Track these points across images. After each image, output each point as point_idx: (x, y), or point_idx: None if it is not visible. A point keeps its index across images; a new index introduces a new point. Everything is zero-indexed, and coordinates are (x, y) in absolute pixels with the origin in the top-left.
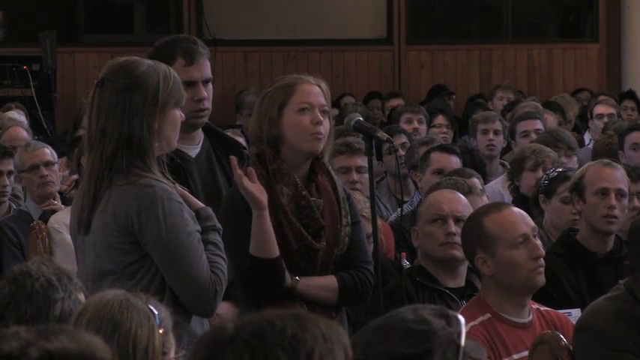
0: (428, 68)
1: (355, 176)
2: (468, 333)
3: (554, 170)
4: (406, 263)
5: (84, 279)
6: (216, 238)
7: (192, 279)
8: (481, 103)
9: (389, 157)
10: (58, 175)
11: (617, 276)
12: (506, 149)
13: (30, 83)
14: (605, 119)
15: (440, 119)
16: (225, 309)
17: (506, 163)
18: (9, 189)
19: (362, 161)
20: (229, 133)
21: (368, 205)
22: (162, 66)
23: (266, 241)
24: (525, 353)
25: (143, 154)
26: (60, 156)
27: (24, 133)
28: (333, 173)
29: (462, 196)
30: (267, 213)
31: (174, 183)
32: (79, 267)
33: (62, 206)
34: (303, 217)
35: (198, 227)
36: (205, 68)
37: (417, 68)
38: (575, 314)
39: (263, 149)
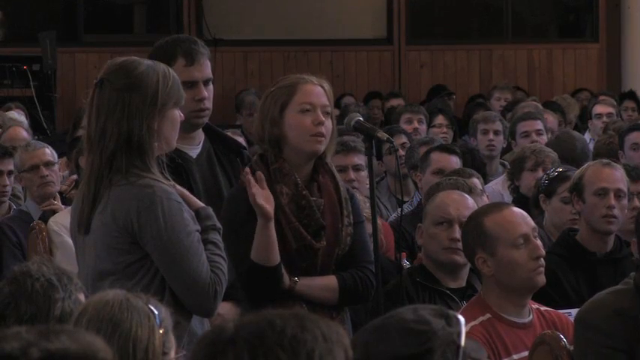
0: (428, 68)
1: (352, 175)
2: (468, 333)
3: (554, 170)
4: (406, 263)
5: (84, 279)
6: (216, 237)
7: (192, 279)
8: (482, 103)
9: (389, 157)
10: (58, 175)
11: (617, 276)
12: (507, 149)
13: (30, 83)
14: (605, 119)
15: (440, 119)
16: (226, 309)
17: (506, 163)
18: (9, 189)
19: (358, 159)
20: (229, 133)
21: (368, 205)
22: (162, 66)
23: (268, 249)
24: (525, 353)
25: (143, 154)
26: (60, 156)
27: (24, 133)
28: (336, 173)
29: (469, 199)
30: (272, 223)
31: (173, 183)
32: (79, 267)
33: (62, 206)
34: (302, 216)
35: (198, 227)
36: (206, 68)
37: (417, 68)
38: (575, 314)
39: (266, 149)
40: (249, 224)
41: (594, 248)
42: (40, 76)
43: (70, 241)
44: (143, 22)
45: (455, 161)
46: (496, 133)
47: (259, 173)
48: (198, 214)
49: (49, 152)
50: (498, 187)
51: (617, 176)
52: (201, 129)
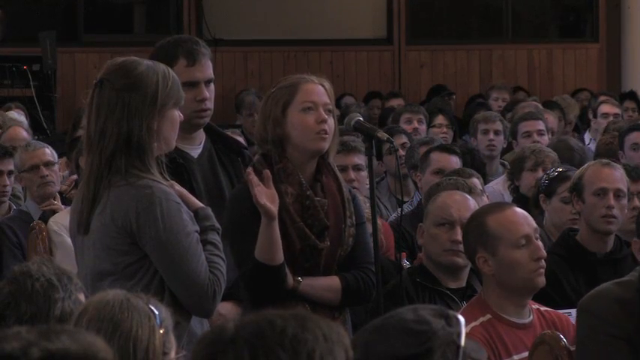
0: (428, 68)
1: (352, 174)
2: (468, 333)
3: (554, 170)
4: (406, 263)
5: (83, 279)
6: (215, 238)
7: (191, 279)
8: (482, 103)
9: (389, 157)
10: (58, 175)
11: (617, 276)
12: (507, 149)
13: (30, 83)
14: (611, 119)
15: (440, 119)
16: (227, 309)
17: (507, 163)
18: (9, 189)
19: (358, 159)
20: (229, 133)
21: (368, 205)
22: (161, 66)
23: (272, 248)
24: (525, 354)
25: (142, 154)
26: (60, 156)
27: (24, 133)
28: (338, 174)
29: (471, 200)
30: (275, 223)
31: (172, 183)
32: (78, 267)
33: (62, 206)
34: (307, 216)
35: (197, 227)
36: (207, 69)
37: (417, 68)
38: (575, 314)
39: (269, 150)
40: (253, 223)
41: (594, 248)
42: (40, 76)
43: (69, 241)
44: (143, 22)
45: (455, 161)
46: (496, 133)
47: (267, 172)
48: (197, 214)
49: (49, 152)
50: (498, 187)
51: (616, 176)
52: (202, 129)
